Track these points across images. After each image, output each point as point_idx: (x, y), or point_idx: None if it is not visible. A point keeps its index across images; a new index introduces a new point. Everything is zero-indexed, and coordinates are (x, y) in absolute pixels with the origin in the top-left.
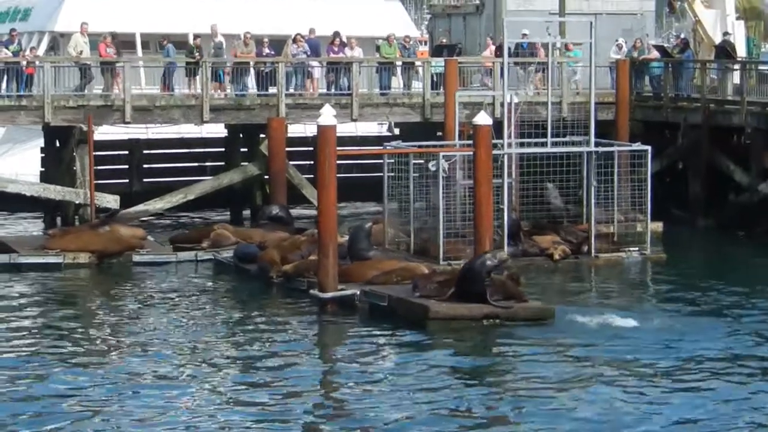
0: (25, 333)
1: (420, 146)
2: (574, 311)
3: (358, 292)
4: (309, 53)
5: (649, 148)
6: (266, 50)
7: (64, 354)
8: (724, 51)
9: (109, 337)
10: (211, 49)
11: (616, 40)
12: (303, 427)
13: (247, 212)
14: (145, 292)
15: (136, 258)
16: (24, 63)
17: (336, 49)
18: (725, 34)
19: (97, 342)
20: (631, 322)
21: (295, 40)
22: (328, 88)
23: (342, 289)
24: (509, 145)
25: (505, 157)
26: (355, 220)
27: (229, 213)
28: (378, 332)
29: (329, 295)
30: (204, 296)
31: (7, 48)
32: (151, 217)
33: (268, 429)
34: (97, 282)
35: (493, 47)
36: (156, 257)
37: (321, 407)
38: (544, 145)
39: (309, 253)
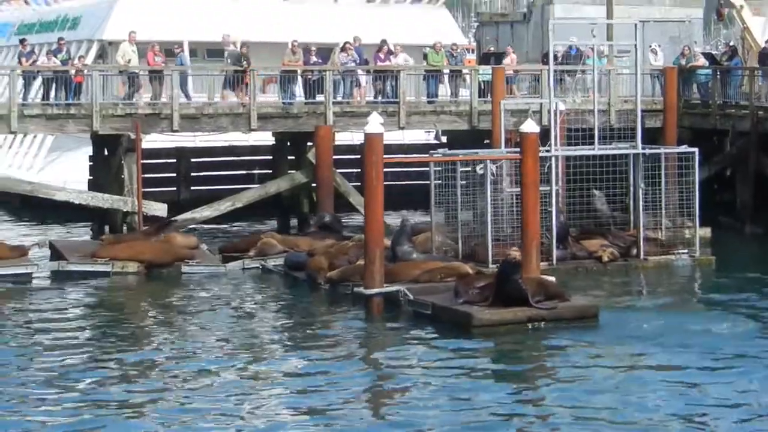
0: (69, 341)
1: (467, 154)
2: (619, 310)
3: (402, 288)
4: (358, 61)
5: (696, 150)
6: (313, 58)
7: (109, 362)
8: None
9: (156, 345)
10: (226, 60)
11: (650, 46)
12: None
13: (294, 221)
14: (193, 301)
15: (185, 269)
16: (72, 71)
17: (383, 56)
18: None
19: (144, 350)
20: (677, 323)
21: (344, 49)
22: (375, 96)
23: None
24: (555, 149)
25: (553, 159)
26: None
27: (276, 221)
28: (424, 338)
29: (373, 291)
30: (251, 303)
31: (55, 56)
32: (198, 225)
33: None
34: (144, 291)
35: (514, 56)
36: (205, 269)
37: (365, 414)
38: (591, 149)
39: (356, 258)
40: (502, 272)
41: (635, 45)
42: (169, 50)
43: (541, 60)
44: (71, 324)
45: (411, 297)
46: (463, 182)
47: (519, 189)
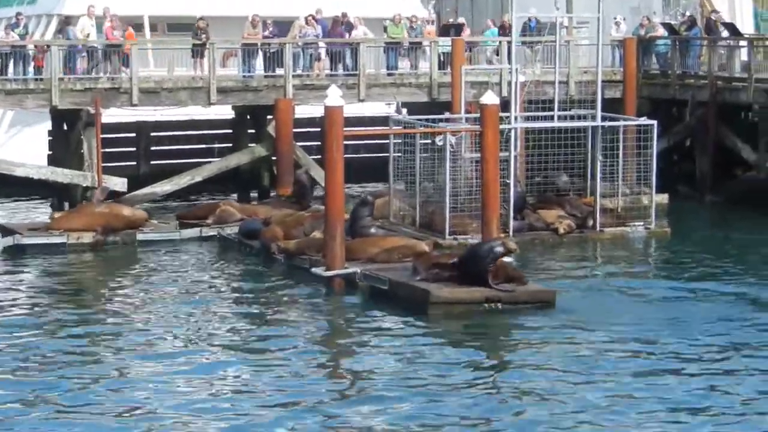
0: (31, 313)
1: (427, 121)
2: (576, 292)
3: (359, 271)
4: (321, 35)
5: (655, 122)
6: (269, 30)
7: (67, 336)
8: (732, 28)
9: (112, 316)
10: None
11: (614, 18)
12: (301, 410)
13: (254, 194)
14: (148, 270)
15: (140, 236)
16: (31, 47)
17: (341, 29)
18: (713, 12)
19: (101, 321)
20: (632, 302)
21: (307, 22)
22: (333, 68)
23: (345, 268)
24: (516, 119)
25: (512, 131)
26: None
27: (236, 195)
28: (379, 315)
29: (331, 273)
30: (206, 273)
31: (13, 31)
32: (159, 200)
33: (265, 411)
34: (101, 261)
35: (468, 31)
36: (160, 235)
37: (318, 392)
38: (550, 120)
39: (311, 229)
40: (477, 253)
41: (598, 18)
42: (136, 25)
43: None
44: (27, 298)
45: (364, 273)
46: (423, 154)
47: (478, 155)
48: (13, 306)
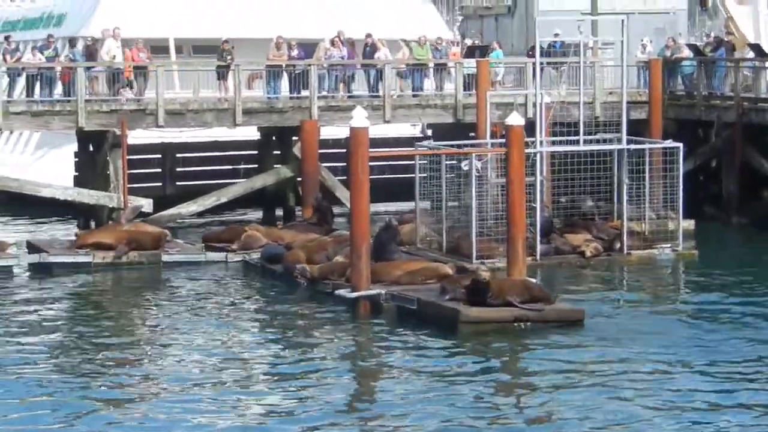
0: (53, 332)
1: (452, 146)
2: (605, 312)
3: (383, 292)
4: (346, 56)
5: (680, 145)
6: (294, 52)
7: (88, 358)
8: (758, 49)
9: (135, 339)
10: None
11: (641, 40)
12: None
13: (279, 214)
14: (172, 292)
15: (165, 258)
16: (58, 68)
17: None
18: (728, 34)
19: (124, 341)
20: (660, 323)
21: (333, 43)
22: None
23: (369, 289)
24: (541, 143)
25: (538, 155)
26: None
27: (261, 215)
28: (408, 335)
29: (356, 294)
30: (231, 296)
31: (41, 53)
32: (184, 221)
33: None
34: (125, 281)
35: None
36: (185, 256)
37: (349, 411)
38: (576, 143)
39: (334, 254)
40: (472, 292)
41: (622, 41)
42: (154, 47)
43: (527, 54)
44: (51, 316)
45: (391, 293)
46: (449, 175)
47: (504, 180)
48: (36, 324)
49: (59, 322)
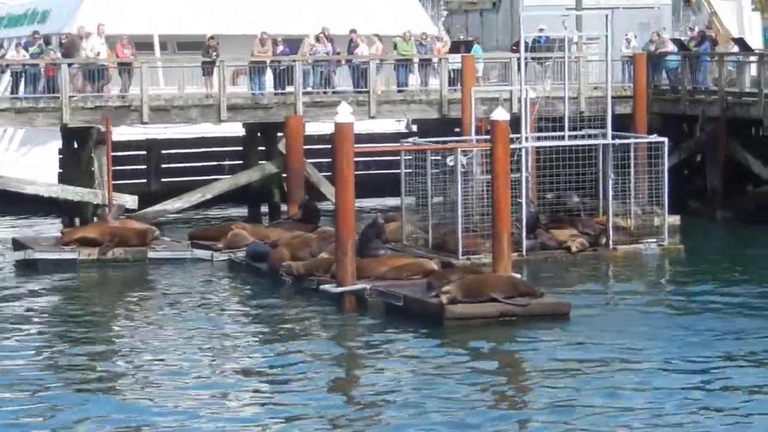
0: (38, 329)
1: (437, 142)
2: (591, 306)
3: (368, 287)
4: (331, 52)
5: (665, 139)
6: (280, 48)
7: (74, 353)
8: (741, 43)
9: (120, 335)
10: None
11: (626, 35)
12: (319, 428)
13: (264, 210)
14: (158, 289)
15: (151, 254)
16: (42, 65)
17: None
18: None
19: (110, 338)
20: (646, 317)
21: (318, 39)
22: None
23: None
24: (526, 139)
25: (523, 150)
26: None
27: (246, 212)
28: (394, 331)
29: (339, 289)
30: (217, 293)
31: (26, 50)
32: (169, 217)
33: (282, 429)
34: (111, 278)
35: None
36: (171, 253)
37: (336, 407)
38: (561, 139)
39: (319, 250)
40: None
41: (606, 36)
42: (139, 43)
43: (510, 49)
44: (36, 313)
45: (378, 290)
46: (434, 170)
47: (490, 177)
48: (21, 321)
49: (44, 319)
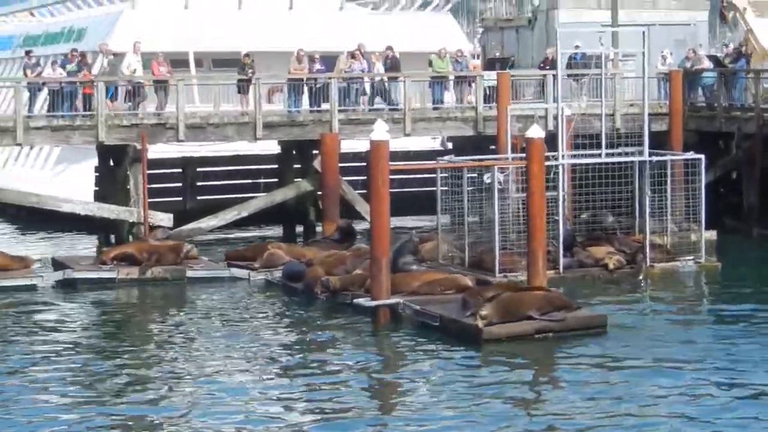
0: (78, 348)
1: (473, 160)
2: (628, 321)
3: (402, 301)
4: (367, 69)
5: (702, 156)
6: (317, 66)
7: (114, 373)
8: None
9: (160, 354)
10: (105, 68)
11: (662, 52)
12: None
13: (300, 228)
14: (197, 306)
15: (190, 273)
16: (78, 83)
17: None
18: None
19: (149, 360)
20: (684, 332)
21: (354, 56)
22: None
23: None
24: (563, 156)
25: (560, 167)
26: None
27: (282, 231)
28: (429, 346)
29: (373, 303)
30: (255, 311)
31: (63, 68)
32: (205, 237)
33: None
34: (150, 296)
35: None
36: (209, 272)
37: (373, 425)
38: (598, 156)
39: (353, 267)
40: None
41: (643, 53)
42: (174, 60)
43: (538, 66)
44: (77, 332)
45: (413, 308)
46: (470, 188)
47: (525, 195)
48: (61, 341)
49: (84, 338)
